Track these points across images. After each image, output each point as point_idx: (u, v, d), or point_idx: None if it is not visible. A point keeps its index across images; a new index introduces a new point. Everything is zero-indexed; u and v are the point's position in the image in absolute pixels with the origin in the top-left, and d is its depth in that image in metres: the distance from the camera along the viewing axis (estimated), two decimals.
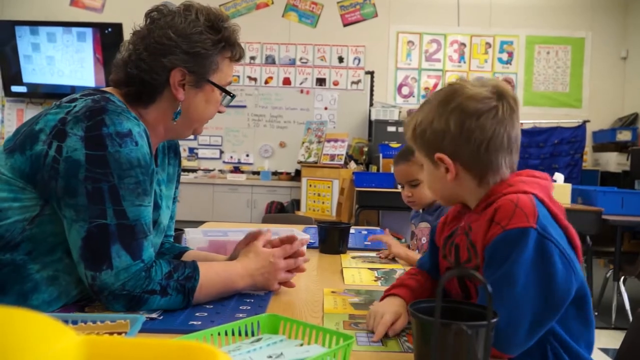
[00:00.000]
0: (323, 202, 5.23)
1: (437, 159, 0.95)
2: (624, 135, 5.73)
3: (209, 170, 6.27)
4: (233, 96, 1.19)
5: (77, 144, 0.96)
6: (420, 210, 1.84)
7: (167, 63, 1.08)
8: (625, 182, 5.32)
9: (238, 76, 6.23)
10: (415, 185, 1.74)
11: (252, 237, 1.20)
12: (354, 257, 1.67)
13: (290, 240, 1.21)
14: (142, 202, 1.00)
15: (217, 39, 1.11)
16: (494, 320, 0.67)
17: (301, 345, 0.76)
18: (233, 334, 0.76)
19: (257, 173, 6.26)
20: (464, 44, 6.29)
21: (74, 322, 0.76)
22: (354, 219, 4.56)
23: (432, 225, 1.69)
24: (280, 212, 5.77)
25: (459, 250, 0.96)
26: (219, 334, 0.74)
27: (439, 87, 6.18)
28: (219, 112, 1.21)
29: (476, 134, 0.91)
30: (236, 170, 6.28)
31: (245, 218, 5.90)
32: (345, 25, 6.27)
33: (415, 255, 1.59)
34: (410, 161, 1.70)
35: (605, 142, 5.94)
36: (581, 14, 6.22)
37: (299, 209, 5.57)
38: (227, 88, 1.18)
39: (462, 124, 0.91)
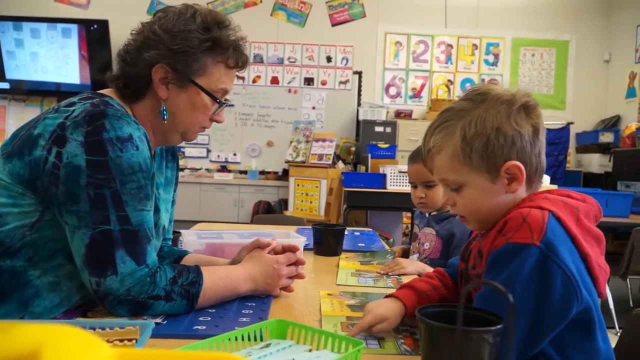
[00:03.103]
0: (311, 202, 5.24)
1: (505, 169, 0.87)
2: (607, 137, 5.84)
3: (196, 169, 6.24)
4: (221, 103, 1.14)
5: (78, 149, 0.95)
6: (427, 214, 1.80)
7: (149, 58, 1.07)
8: (607, 183, 5.42)
9: None
10: (430, 187, 1.68)
11: (258, 245, 1.20)
12: (348, 258, 1.68)
13: (292, 248, 1.21)
14: (144, 206, 1.00)
15: (205, 39, 1.08)
16: (498, 326, 0.68)
17: (310, 350, 0.76)
18: (243, 339, 0.77)
19: (245, 172, 6.25)
20: (451, 45, 6.35)
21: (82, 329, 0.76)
22: (342, 218, 4.58)
23: (438, 233, 1.67)
24: (267, 211, 5.77)
25: (470, 255, 0.96)
26: (229, 339, 0.74)
27: (425, 88, 6.27)
28: (216, 121, 1.18)
29: (540, 136, 0.88)
30: (223, 169, 6.26)
31: (233, 217, 5.89)
32: (333, 25, 6.29)
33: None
34: None
35: (588, 143, 6.04)
36: (565, 18, 6.32)
37: (286, 208, 5.57)
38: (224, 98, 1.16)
39: (530, 122, 0.87)
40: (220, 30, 1.10)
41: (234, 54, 1.13)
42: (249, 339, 0.78)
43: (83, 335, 0.37)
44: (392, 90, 6.37)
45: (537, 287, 0.78)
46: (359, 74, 6.32)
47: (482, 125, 0.86)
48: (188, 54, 1.08)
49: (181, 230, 1.56)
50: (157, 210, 1.16)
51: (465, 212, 0.94)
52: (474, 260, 0.93)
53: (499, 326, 0.67)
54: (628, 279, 3.46)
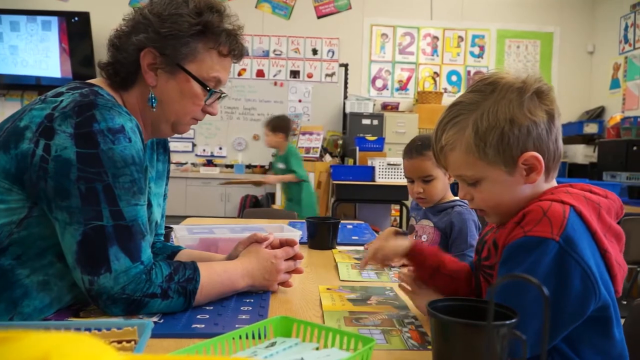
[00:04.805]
0: None
1: (523, 161, 0.84)
2: (591, 128, 5.89)
3: (182, 164, 6.16)
4: (212, 92, 1.08)
5: (67, 141, 0.91)
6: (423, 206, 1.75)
7: (137, 42, 1.03)
8: (592, 174, 5.47)
9: None
10: (428, 181, 1.63)
11: (255, 240, 1.17)
12: (343, 251, 1.65)
13: (290, 243, 1.18)
14: (138, 201, 0.96)
15: (195, 22, 1.03)
16: (514, 320, 0.66)
17: (317, 349, 0.74)
18: (247, 337, 0.73)
19: (231, 166, 6.19)
20: (436, 37, 6.34)
21: (77, 330, 0.72)
22: (330, 212, 4.55)
23: (436, 225, 1.65)
24: (255, 205, 5.72)
25: (484, 247, 0.94)
26: (233, 338, 0.71)
27: (412, 80, 6.26)
28: (210, 113, 1.13)
29: (556, 121, 0.85)
30: (209, 163, 6.19)
31: (219, 212, 5.83)
32: (319, 17, 6.23)
33: None
34: (425, 155, 1.59)
35: (573, 134, 6.09)
36: (550, 9, 6.35)
37: (273, 202, 5.53)
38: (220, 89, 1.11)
39: (545, 109, 0.84)
40: (212, 14, 1.05)
41: (226, 41, 1.08)
42: (253, 337, 0.74)
43: (92, 342, 0.33)
44: (379, 83, 6.35)
45: (554, 283, 0.76)
46: (345, 66, 6.28)
47: (495, 118, 0.83)
48: (177, 37, 1.03)
49: (173, 226, 1.52)
50: (149, 205, 1.12)
51: (484, 206, 0.91)
52: (487, 252, 0.91)
53: (513, 320, 0.65)
54: None
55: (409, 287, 1.06)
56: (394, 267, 1.48)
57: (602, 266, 0.81)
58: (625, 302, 3.70)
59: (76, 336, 0.32)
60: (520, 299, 0.76)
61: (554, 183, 0.91)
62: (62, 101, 0.95)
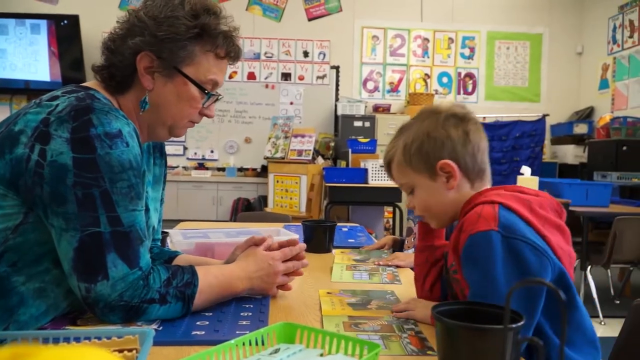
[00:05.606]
0: (291, 198, 5.19)
1: (439, 167, 1.00)
2: (581, 128, 5.94)
3: (173, 167, 6.12)
4: (210, 95, 1.08)
5: (63, 146, 0.89)
6: None
7: (133, 45, 1.01)
8: (583, 174, 5.51)
9: None
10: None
11: (253, 243, 1.15)
12: (345, 252, 1.65)
13: (289, 244, 1.17)
14: (135, 206, 0.94)
15: (192, 25, 1.02)
16: (523, 322, 0.66)
17: (321, 355, 0.73)
18: (250, 344, 0.72)
19: (223, 169, 6.16)
20: (427, 39, 6.36)
21: (77, 339, 0.71)
22: (323, 214, 4.54)
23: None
24: (247, 209, 5.70)
25: (447, 256, 1.04)
26: (237, 346, 0.70)
27: (403, 82, 6.28)
28: (207, 115, 1.12)
29: (471, 136, 1.00)
30: (201, 166, 6.16)
31: (211, 215, 5.80)
32: (310, 19, 6.23)
33: None
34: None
35: (563, 135, 6.13)
36: (539, 11, 6.40)
37: (266, 205, 5.51)
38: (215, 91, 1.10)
39: (461, 128, 1.00)
40: (209, 17, 1.04)
41: (224, 43, 1.07)
42: (257, 344, 0.73)
43: (103, 356, 0.32)
44: (370, 85, 6.35)
45: (514, 267, 0.86)
46: (337, 68, 6.28)
47: (417, 133, 1.02)
48: (174, 41, 1.01)
49: (168, 230, 1.51)
50: (146, 209, 1.10)
51: (421, 212, 1.06)
52: (451, 258, 0.99)
53: (522, 322, 0.65)
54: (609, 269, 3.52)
55: (404, 310, 1.07)
56: (389, 267, 1.47)
57: (546, 246, 0.89)
58: (618, 302, 3.74)
59: (89, 350, 0.31)
60: (493, 291, 0.84)
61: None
62: (57, 105, 0.93)
